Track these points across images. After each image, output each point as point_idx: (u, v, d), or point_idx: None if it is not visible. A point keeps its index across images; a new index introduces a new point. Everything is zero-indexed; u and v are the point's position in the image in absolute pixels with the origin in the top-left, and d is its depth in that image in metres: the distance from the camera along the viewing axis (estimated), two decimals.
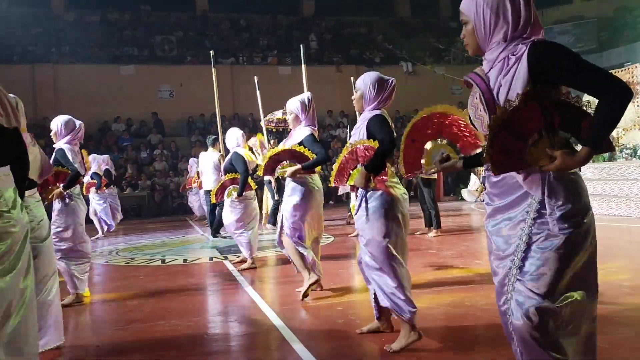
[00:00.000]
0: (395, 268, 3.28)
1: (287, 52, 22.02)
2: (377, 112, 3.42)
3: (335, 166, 3.54)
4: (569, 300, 1.92)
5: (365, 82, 3.45)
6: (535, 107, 1.86)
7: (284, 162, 4.79)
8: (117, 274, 6.87)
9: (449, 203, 15.18)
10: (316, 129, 4.81)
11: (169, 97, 20.20)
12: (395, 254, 3.29)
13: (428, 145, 2.90)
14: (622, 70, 11.18)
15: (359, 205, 3.42)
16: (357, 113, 4.10)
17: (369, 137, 3.35)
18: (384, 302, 3.31)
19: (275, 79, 20.39)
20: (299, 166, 4.63)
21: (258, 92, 6.04)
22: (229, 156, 6.56)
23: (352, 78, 6.91)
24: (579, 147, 1.88)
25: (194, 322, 4.20)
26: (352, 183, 3.41)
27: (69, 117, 5.03)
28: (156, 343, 3.75)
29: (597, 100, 1.82)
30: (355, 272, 5.70)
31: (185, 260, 7.49)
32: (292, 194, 4.71)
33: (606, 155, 11.00)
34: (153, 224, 13.81)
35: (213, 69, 6.91)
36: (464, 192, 15.71)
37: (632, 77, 10.80)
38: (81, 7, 21.30)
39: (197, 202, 13.61)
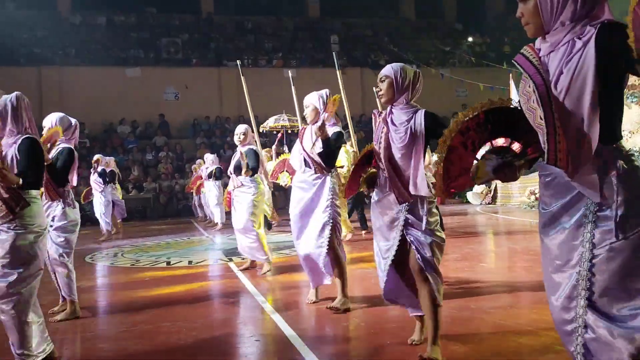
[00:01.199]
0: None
1: (292, 55, 22.05)
2: (417, 106, 3.15)
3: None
4: None
5: (394, 68, 3.17)
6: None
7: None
8: (122, 275, 6.88)
9: (454, 206, 15.14)
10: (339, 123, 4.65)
11: (174, 99, 20.25)
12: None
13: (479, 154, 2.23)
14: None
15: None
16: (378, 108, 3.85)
17: (431, 135, 3.01)
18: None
19: (280, 81, 20.43)
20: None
21: (293, 89, 5.83)
22: (238, 154, 6.26)
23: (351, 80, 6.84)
24: None
25: (199, 325, 4.20)
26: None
27: (63, 114, 4.78)
28: (161, 345, 3.74)
29: None
30: (361, 278, 5.68)
31: (190, 262, 7.49)
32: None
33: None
34: (158, 225, 13.83)
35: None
36: (470, 195, 15.66)
37: (636, 79, 10.74)
38: (87, 9, 21.39)
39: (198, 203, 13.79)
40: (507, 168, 1.92)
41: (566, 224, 1.78)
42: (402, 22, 24.94)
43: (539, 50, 1.83)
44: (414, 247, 3.04)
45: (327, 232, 4.34)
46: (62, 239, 4.45)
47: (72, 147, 4.61)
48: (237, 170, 6.20)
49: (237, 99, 20.49)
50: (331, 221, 4.34)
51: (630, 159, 1.73)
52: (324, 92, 4.66)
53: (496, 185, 14.70)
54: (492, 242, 8.50)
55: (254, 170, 6.06)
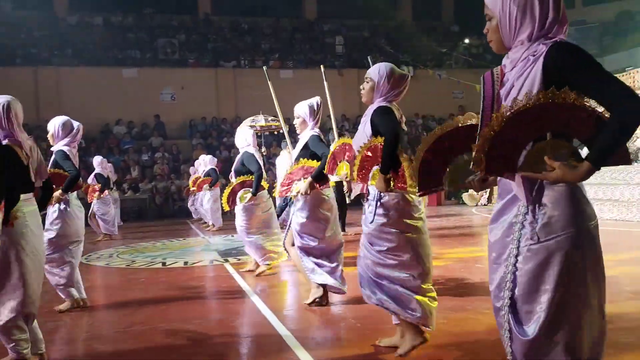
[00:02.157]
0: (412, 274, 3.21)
1: (289, 56, 22.06)
2: (383, 104, 3.22)
3: (356, 162, 3.29)
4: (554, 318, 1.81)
5: (380, 72, 3.23)
6: (544, 109, 1.76)
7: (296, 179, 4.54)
8: (117, 276, 6.87)
9: (450, 207, 15.17)
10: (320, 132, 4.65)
11: (171, 99, 20.23)
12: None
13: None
14: (623, 75, 11.18)
15: (375, 209, 3.21)
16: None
17: (373, 131, 3.17)
18: (391, 306, 3.22)
19: (277, 83, 20.41)
20: (309, 179, 4.35)
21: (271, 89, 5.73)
22: (239, 157, 6.29)
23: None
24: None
25: (194, 326, 4.19)
26: (373, 183, 3.20)
27: (67, 118, 4.86)
28: (157, 346, 3.74)
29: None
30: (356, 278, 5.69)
31: (186, 263, 7.48)
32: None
33: None
34: (154, 226, 13.81)
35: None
36: (465, 197, 15.68)
37: (634, 81, 10.80)
38: (84, 9, 21.34)
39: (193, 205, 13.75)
40: (485, 181, 2.09)
41: (504, 221, 1.94)
42: (399, 23, 24.97)
43: (505, 66, 1.97)
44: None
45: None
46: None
47: (65, 151, 4.67)
48: (238, 173, 6.21)
49: (233, 100, 20.51)
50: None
51: None
52: (315, 101, 4.63)
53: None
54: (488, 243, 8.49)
55: (258, 172, 6.01)
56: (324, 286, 4.51)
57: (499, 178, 1.98)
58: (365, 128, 3.25)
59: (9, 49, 18.71)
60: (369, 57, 5.86)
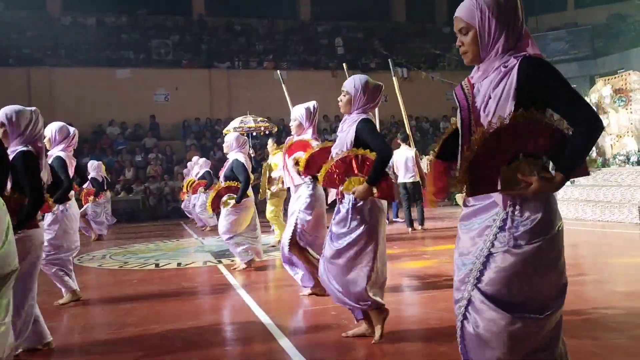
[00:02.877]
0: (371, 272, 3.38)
1: (283, 57, 22.06)
2: (365, 116, 3.42)
3: (324, 167, 3.49)
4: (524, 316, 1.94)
5: (355, 86, 3.44)
6: (522, 128, 1.89)
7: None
8: (110, 277, 6.85)
9: (443, 208, 15.20)
10: (319, 138, 4.78)
11: (165, 100, 20.18)
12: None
13: None
14: (615, 77, 11.24)
15: (347, 213, 3.41)
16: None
17: (358, 143, 3.36)
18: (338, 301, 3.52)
19: (270, 83, 20.43)
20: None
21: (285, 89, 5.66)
22: (229, 163, 6.43)
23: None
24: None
25: (187, 327, 4.19)
26: (348, 190, 3.38)
27: (63, 123, 5.07)
28: (150, 347, 3.74)
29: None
30: None
31: (179, 264, 7.47)
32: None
33: (600, 161, 11.05)
34: (147, 227, 13.76)
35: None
36: (458, 197, 15.72)
37: (626, 84, 10.87)
38: (77, 10, 21.25)
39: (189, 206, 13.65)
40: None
41: (477, 222, 2.05)
42: (393, 25, 25.04)
43: (472, 77, 2.10)
44: None
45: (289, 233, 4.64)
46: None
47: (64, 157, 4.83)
48: (226, 179, 6.40)
49: (227, 101, 20.49)
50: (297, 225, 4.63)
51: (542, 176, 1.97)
52: (312, 104, 4.71)
53: None
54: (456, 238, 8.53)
55: (245, 181, 6.24)
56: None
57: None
58: (347, 136, 3.41)
59: (2, 49, 18.60)
60: (389, 60, 5.88)
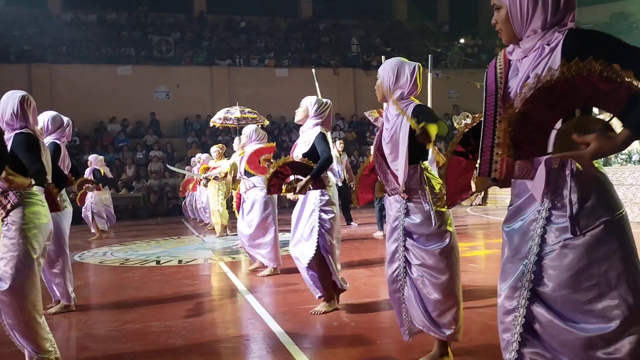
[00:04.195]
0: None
1: (284, 55, 22.04)
2: (416, 102, 3.09)
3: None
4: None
5: (385, 68, 3.14)
6: (569, 83, 1.61)
7: (290, 177, 4.35)
8: (111, 274, 6.85)
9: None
10: (328, 130, 4.49)
11: (166, 97, 20.17)
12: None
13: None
14: None
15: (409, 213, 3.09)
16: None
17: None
18: None
19: (271, 81, 20.41)
20: (307, 177, 4.17)
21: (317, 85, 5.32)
22: (245, 155, 6.19)
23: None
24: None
25: (188, 324, 4.19)
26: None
27: (56, 113, 4.82)
28: (151, 344, 3.73)
29: None
30: (352, 278, 5.69)
31: (180, 261, 7.47)
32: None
33: (601, 160, 11.02)
34: (148, 225, 13.77)
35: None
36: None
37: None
38: (78, 7, 21.23)
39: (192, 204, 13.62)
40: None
41: (522, 219, 1.85)
42: (394, 23, 25.00)
43: (511, 53, 1.89)
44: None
45: (314, 236, 4.22)
46: None
47: (59, 143, 4.65)
48: (247, 172, 6.15)
49: (228, 99, 20.48)
50: (319, 226, 4.24)
51: None
52: (326, 101, 4.55)
53: None
54: (482, 242, 8.54)
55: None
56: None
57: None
58: (402, 127, 3.01)
59: (3, 46, 18.59)
60: (429, 56, 5.73)
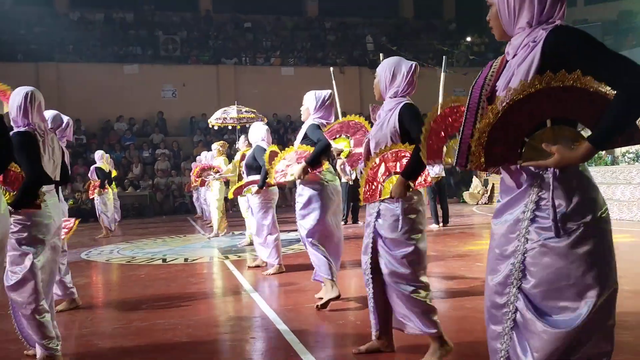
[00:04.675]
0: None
1: (290, 53, 22.04)
2: (405, 100, 3.11)
3: (361, 182, 3.16)
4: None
5: (383, 66, 3.19)
6: (541, 95, 1.68)
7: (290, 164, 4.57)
8: (117, 272, 6.88)
9: (450, 205, 15.16)
10: (325, 122, 4.50)
11: (172, 96, 20.24)
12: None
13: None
14: None
15: (380, 216, 3.08)
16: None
17: (402, 130, 3.03)
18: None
19: (277, 80, 20.42)
20: (302, 163, 4.34)
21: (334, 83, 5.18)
22: (251, 150, 6.32)
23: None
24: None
25: (194, 322, 4.20)
26: (387, 196, 3.01)
27: (57, 112, 4.74)
28: (157, 342, 3.75)
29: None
30: (356, 276, 5.69)
31: (186, 259, 7.49)
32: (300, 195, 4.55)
33: (609, 159, 10.98)
34: (154, 223, 13.81)
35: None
36: (466, 195, 15.70)
37: None
38: (85, 6, 21.33)
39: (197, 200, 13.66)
40: None
41: (508, 218, 1.88)
42: (400, 21, 24.94)
43: (508, 53, 1.92)
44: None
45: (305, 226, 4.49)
46: None
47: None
48: (249, 168, 6.26)
49: (234, 97, 20.50)
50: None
51: None
52: (325, 93, 4.58)
53: (493, 185, 14.75)
54: (488, 241, 8.50)
55: (265, 167, 6.00)
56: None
57: (501, 175, 1.94)
58: (389, 125, 3.07)
59: (10, 45, 18.69)
60: (444, 57, 5.77)
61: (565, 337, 1.73)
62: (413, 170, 2.91)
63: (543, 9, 1.81)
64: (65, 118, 4.83)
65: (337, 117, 4.59)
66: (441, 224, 10.12)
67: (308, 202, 4.49)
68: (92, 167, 10.69)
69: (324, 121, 4.51)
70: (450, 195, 16.88)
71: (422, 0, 25.18)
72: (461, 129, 1.90)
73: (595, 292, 1.73)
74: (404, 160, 2.98)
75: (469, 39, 23.82)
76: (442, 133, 2.65)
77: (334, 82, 4.53)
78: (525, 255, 1.81)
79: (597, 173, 10.84)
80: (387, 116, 3.07)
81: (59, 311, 4.54)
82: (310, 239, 4.48)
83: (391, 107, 3.09)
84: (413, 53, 21.51)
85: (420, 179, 3.03)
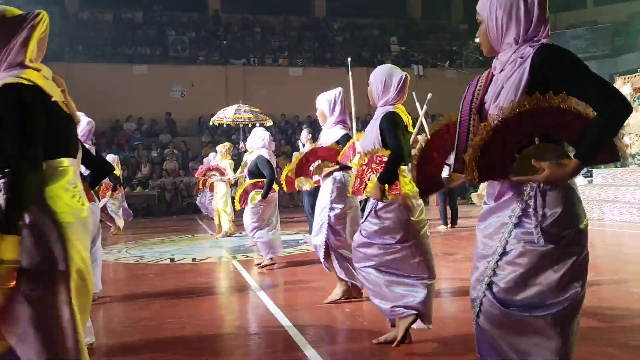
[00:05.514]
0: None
1: (298, 54, 22.07)
2: (390, 108, 3.36)
3: (353, 175, 3.46)
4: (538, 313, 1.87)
5: (375, 76, 3.40)
6: (530, 115, 1.80)
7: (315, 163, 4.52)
8: (126, 272, 6.92)
9: (458, 206, 15.11)
10: (348, 125, 4.55)
11: (181, 96, 20.31)
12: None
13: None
14: (635, 76, 11.09)
15: (368, 216, 3.40)
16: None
17: (382, 138, 3.31)
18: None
19: (286, 80, 20.44)
20: (336, 167, 4.34)
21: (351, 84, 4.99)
22: (253, 158, 6.47)
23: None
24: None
25: (202, 321, 4.22)
26: (368, 194, 3.35)
27: (81, 113, 4.86)
28: (165, 341, 3.77)
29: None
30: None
31: (194, 259, 7.52)
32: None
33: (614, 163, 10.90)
34: (163, 222, 13.87)
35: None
36: (474, 196, 15.65)
37: None
38: (94, 6, 21.43)
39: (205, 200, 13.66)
40: None
41: (493, 221, 2.00)
42: (408, 22, 24.90)
43: (495, 68, 2.02)
44: None
45: (324, 231, 4.39)
46: None
47: None
48: (251, 175, 6.44)
49: (243, 98, 20.55)
50: (327, 221, 4.39)
51: None
52: (334, 94, 4.58)
53: None
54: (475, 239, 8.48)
55: (270, 176, 6.21)
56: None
57: (489, 181, 2.03)
58: (374, 133, 3.39)
59: None
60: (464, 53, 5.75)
61: (520, 319, 1.88)
62: (387, 175, 3.22)
63: (528, 28, 1.92)
64: (86, 119, 4.87)
65: (351, 112, 4.51)
66: (450, 225, 10.07)
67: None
68: None
69: (347, 131, 4.48)
70: (460, 196, 16.87)
71: (430, 1, 25.13)
72: (456, 139, 2.05)
73: (562, 298, 1.85)
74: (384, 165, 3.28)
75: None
76: (435, 154, 2.47)
77: (350, 73, 4.48)
78: (502, 256, 1.93)
79: (606, 175, 10.79)
80: (373, 125, 3.37)
81: None
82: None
83: (377, 116, 3.39)
84: (421, 54, 21.50)
85: (394, 189, 3.24)
